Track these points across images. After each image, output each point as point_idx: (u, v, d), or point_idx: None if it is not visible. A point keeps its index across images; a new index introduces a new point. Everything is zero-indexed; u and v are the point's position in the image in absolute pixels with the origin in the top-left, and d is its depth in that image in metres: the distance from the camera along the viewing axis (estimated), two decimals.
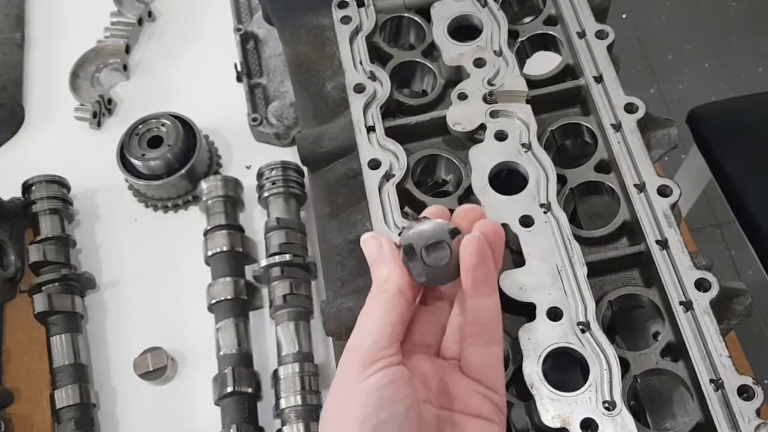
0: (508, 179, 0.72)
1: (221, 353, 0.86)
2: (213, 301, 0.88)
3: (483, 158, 0.71)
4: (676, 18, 2.33)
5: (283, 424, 0.81)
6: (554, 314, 0.62)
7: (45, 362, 0.89)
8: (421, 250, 0.52)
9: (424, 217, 0.55)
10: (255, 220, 0.98)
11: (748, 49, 2.23)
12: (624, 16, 2.31)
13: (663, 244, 0.65)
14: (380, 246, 0.54)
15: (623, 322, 0.69)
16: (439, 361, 0.55)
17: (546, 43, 0.80)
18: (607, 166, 0.71)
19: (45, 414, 0.87)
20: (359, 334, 0.51)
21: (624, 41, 2.22)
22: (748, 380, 0.58)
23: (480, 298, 0.53)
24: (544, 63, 0.79)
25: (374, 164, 0.72)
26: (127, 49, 1.12)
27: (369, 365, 0.49)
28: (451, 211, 0.71)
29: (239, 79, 1.05)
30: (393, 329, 0.51)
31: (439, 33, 0.79)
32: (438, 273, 0.52)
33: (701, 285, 0.62)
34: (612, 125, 0.71)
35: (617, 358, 0.60)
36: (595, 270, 0.65)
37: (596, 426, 0.57)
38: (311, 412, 0.81)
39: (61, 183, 0.98)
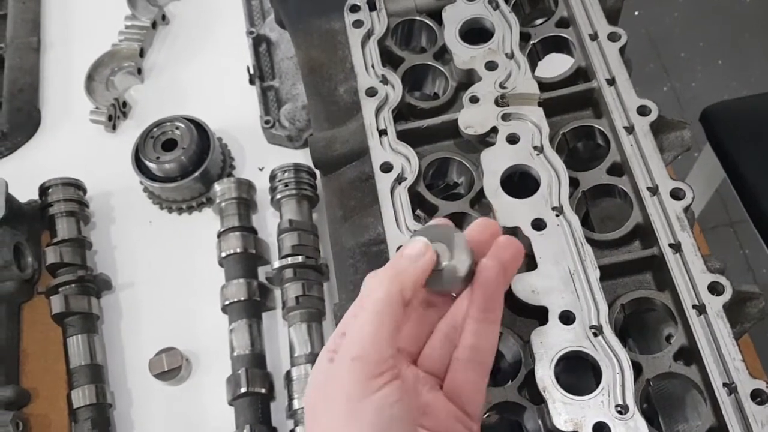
0: (520, 182, 0.72)
1: (235, 354, 0.87)
2: (226, 303, 0.89)
3: (495, 161, 0.71)
4: (689, 15, 2.31)
5: (296, 424, 0.81)
6: (567, 318, 0.62)
7: (62, 362, 0.90)
8: None
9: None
10: (268, 221, 0.99)
11: (762, 47, 2.21)
12: (636, 13, 2.29)
13: (676, 247, 0.65)
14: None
15: (636, 325, 0.69)
16: (419, 371, 0.51)
17: (558, 45, 0.80)
18: (619, 169, 0.71)
19: (62, 414, 0.88)
20: (363, 340, 0.46)
21: (636, 39, 2.20)
22: (762, 384, 0.58)
23: (487, 324, 0.50)
24: (556, 65, 0.79)
25: (386, 167, 0.72)
26: (142, 53, 1.13)
27: (375, 377, 0.45)
28: (463, 215, 0.72)
29: (252, 81, 1.06)
30: (393, 336, 0.47)
31: (450, 36, 0.79)
32: (437, 276, 0.50)
33: (714, 288, 0.62)
34: (625, 128, 0.71)
35: (630, 361, 0.60)
36: (607, 273, 0.65)
37: (609, 430, 0.57)
38: None
39: (77, 185, 1.00)
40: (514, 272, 0.51)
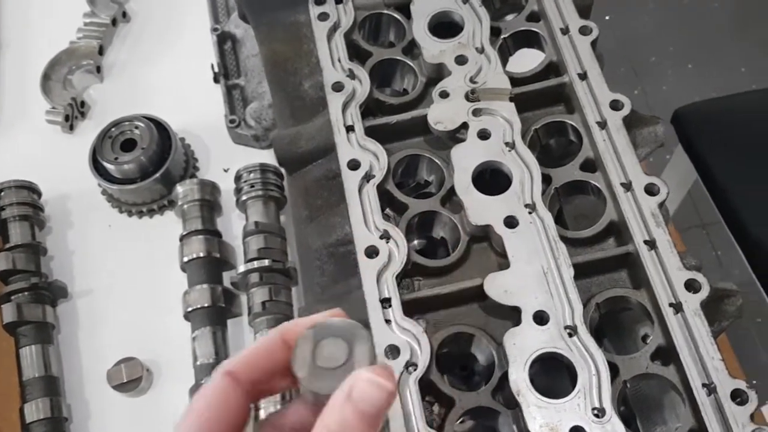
0: (491, 179, 0.70)
1: (198, 363, 0.83)
2: (189, 309, 0.85)
3: (466, 158, 0.69)
4: (659, 19, 2.33)
5: None
6: (541, 318, 0.60)
7: (14, 375, 0.85)
8: (315, 344, 0.40)
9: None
10: (233, 224, 0.95)
11: (732, 49, 2.24)
12: (607, 18, 2.30)
13: (651, 244, 0.63)
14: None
15: (611, 325, 0.67)
16: None
17: (529, 39, 0.78)
18: (592, 165, 0.69)
19: (14, 429, 0.83)
20: None
21: (607, 43, 2.21)
22: (742, 384, 0.56)
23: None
24: (527, 60, 0.77)
25: (354, 165, 0.69)
26: (101, 51, 1.09)
27: None
28: (434, 213, 0.69)
29: (216, 80, 1.03)
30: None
31: (419, 30, 0.76)
32: (327, 378, 0.39)
33: (691, 286, 0.61)
34: (597, 123, 0.69)
35: (606, 363, 0.58)
36: (581, 271, 0.63)
37: None
38: None
39: (31, 188, 0.95)
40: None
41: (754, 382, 1.81)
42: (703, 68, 2.22)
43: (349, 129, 0.71)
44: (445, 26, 0.77)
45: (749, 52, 2.23)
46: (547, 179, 0.69)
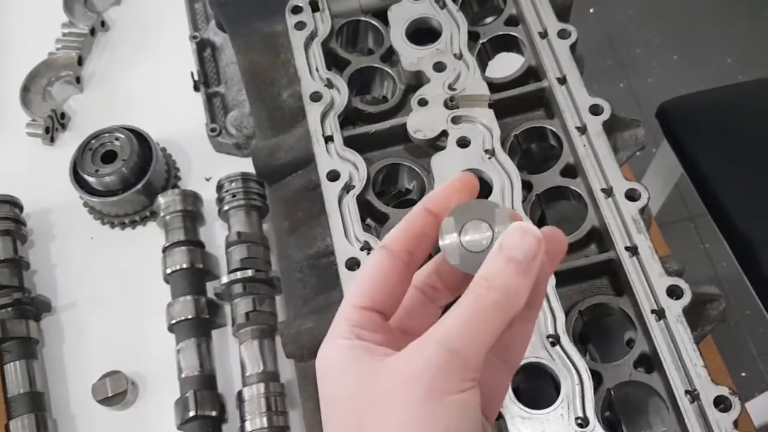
0: None
1: (183, 375, 0.82)
2: (173, 321, 0.85)
3: (446, 166, 0.68)
4: (644, 11, 2.33)
5: None
6: None
7: None
8: (460, 226, 0.43)
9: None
10: (216, 234, 0.95)
11: (717, 41, 2.24)
12: (591, 10, 2.30)
13: (633, 250, 0.63)
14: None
15: (596, 330, 0.67)
16: None
17: (508, 44, 0.77)
18: (573, 171, 0.69)
19: None
20: (471, 335, 0.37)
21: (592, 36, 2.21)
22: (725, 390, 0.56)
23: (525, 322, 0.42)
24: (506, 65, 0.77)
25: (333, 176, 0.69)
26: (80, 61, 1.08)
27: (465, 381, 0.37)
28: None
29: (196, 88, 1.02)
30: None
31: (396, 37, 0.76)
32: (471, 259, 0.42)
33: (673, 292, 0.60)
34: (577, 128, 0.69)
35: (589, 371, 0.58)
36: (564, 279, 0.63)
37: None
38: None
39: (12, 203, 0.94)
40: (556, 265, 0.44)
41: (743, 374, 1.82)
42: (688, 60, 2.22)
43: (328, 139, 0.71)
44: (423, 32, 0.77)
45: (735, 43, 2.23)
46: (528, 185, 0.69)
